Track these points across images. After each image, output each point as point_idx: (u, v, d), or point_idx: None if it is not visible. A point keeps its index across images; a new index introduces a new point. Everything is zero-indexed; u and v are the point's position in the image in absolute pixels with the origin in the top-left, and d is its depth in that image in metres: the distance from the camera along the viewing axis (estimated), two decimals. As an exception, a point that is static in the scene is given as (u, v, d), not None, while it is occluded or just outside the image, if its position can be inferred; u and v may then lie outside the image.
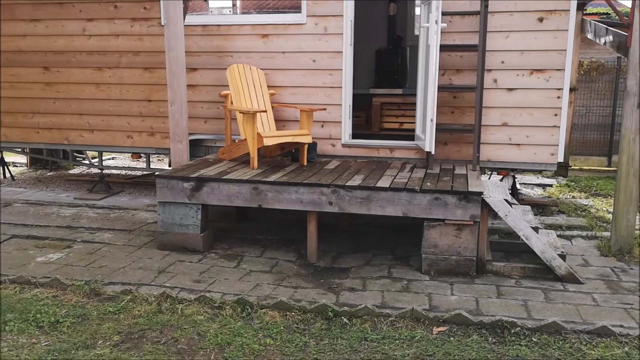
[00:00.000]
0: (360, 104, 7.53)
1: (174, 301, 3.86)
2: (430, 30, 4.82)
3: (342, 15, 5.65)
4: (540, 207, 6.45)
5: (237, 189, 4.74)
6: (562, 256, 4.27)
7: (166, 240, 4.93)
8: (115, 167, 7.80)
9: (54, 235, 5.37)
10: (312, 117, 5.45)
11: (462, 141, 5.58)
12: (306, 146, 5.42)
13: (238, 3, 8.65)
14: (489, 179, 6.51)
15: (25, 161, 9.01)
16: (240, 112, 5.16)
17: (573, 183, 7.87)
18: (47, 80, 6.56)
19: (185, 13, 5.77)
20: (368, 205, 4.50)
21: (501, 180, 5.67)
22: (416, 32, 8.40)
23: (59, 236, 5.34)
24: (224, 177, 4.77)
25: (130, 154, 7.94)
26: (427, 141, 5.03)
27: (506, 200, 4.33)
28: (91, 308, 3.78)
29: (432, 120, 4.95)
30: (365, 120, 7.76)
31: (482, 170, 5.53)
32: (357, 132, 6.27)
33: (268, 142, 5.07)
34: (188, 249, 4.90)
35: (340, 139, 5.91)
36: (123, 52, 6.30)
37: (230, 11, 8.67)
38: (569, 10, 5.12)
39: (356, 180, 4.70)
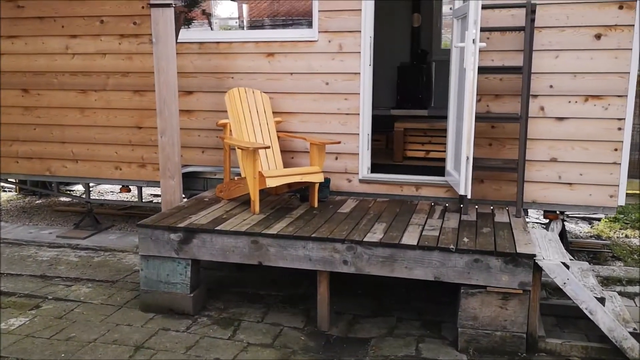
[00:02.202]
0: (380, 126, 6.78)
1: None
2: (466, 50, 4.07)
3: (360, 31, 4.92)
4: (591, 252, 5.63)
5: (233, 243, 4.01)
6: (636, 335, 3.47)
7: (150, 300, 4.22)
8: (104, 200, 7.11)
9: (23, 289, 4.69)
10: (324, 151, 4.72)
11: (501, 178, 4.81)
12: (317, 185, 4.69)
13: (245, 12, 7.98)
14: (535, 226, 5.72)
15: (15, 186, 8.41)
16: (238, 148, 4.44)
17: (622, 216, 7.02)
18: (26, 104, 5.92)
19: (179, 29, 5.09)
20: (392, 266, 3.74)
21: (548, 224, 4.88)
22: (443, 46, 7.64)
23: (28, 291, 4.66)
24: (218, 228, 4.05)
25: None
26: (462, 183, 4.26)
27: (563, 263, 3.55)
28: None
29: (467, 158, 4.19)
30: (386, 144, 7.03)
31: (525, 212, 4.74)
32: (377, 163, 5.54)
33: (271, 183, 4.35)
34: (175, 312, 4.18)
35: (358, 173, 5.17)
36: (110, 72, 5.64)
37: (236, 22, 8.01)
38: (634, 25, 4.33)
39: (376, 232, 3.95)
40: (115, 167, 5.84)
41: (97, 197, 7.87)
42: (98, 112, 5.75)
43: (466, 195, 4.29)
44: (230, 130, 4.88)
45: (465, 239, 3.79)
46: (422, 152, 6.04)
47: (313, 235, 3.87)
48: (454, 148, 4.76)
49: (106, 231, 6.35)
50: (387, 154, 6.49)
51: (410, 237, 3.84)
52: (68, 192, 7.89)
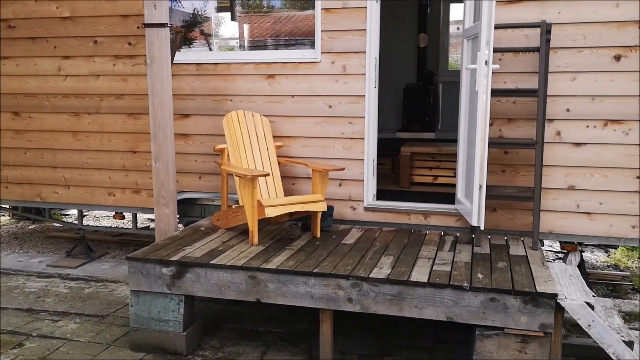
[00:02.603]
0: (385, 149, 6.57)
1: None
2: (478, 73, 3.84)
3: (365, 52, 4.71)
4: (610, 284, 5.35)
5: (229, 278, 3.75)
6: (669, 383, 3.19)
7: (140, 338, 3.95)
8: (98, 227, 6.86)
9: (7, 325, 4.43)
10: (327, 177, 4.47)
11: (515, 207, 4.55)
12: (319, 214, 4.44)
13: (246, 32, 7.80)
14: (549, 256, 5.45)
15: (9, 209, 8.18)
16: (236, 175, 4.20)
17: None
18: (16, 128, 5.71)
19: (176, 49, 4.90)
20: (400, 305, 3.47)
21: (566, 256, 4.61)
22: (450, 67, 7.44)
23: (13, 327, 4.39)
24: (213, 262, 3.79)
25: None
26: (475, 213, 4.00)
27: (587, 302, 3.27)
28: None
29: (480, 186, 3.94)
30: (391, 168, 6.79)
31: (541, 242, 4.48)
32: (382, 189, 5.29)
33: (271, 213, 4.10)
34: (167, 351, 3.91)
35: (363, 200, 4.92)
36: (104, 95, 5.43)
37: (237, 43, 7.83)
38: (655, 45, 4.11)
39: (383, 267, 3.68)
40: (109, 193, 5.60)
41: (92, 223, 7.64)
42: (91, 135, 5.54)
43: (479, 227, 4.03)
44: (228, 156, 4.64)
45: (480, 275, 3.52)
46: (430, 177, 5.80)
47: (315, 271, 3.61)
48: (465, 175, 4.51)
49: (99, 260, 6.09)
50: (393, 178, 6.24)
51: (420, 273, 3.57)
52: (62, 216, 7.66)
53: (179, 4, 7.03)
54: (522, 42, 4.36)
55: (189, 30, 5.42)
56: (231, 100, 5.13)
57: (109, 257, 6.22)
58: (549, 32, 4.08)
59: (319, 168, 4.38)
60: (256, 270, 3.70)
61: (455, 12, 7.35)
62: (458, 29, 7.43)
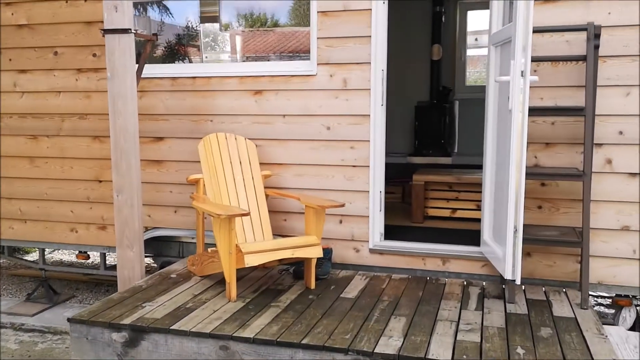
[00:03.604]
0: (395, 175, 5.84)
1: None
2: (512, 86, 3.08)
3: (369, 63, 3.98)
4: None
5: (195, 348, 2.97)
6: None
7: (86, 421, 3.17)
8: (60, 267, 6.06)
9: None
10: (323, 215, 3.71)
11: (555, 251, 3.76)
12: (314, 260, 3.67)
13: (238, 45, 7.11)
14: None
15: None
16: (209, 214, 3.43)
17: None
18: (-34, 153, 5.00)
19: (144, 60, 4.19)
20: (415, 390, 2.67)
21: (618, 312, 3.80)
22: (468, 83, 6.70)
23: None
24: (175, 327, 3.01)
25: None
26: (508, 264, 3.21)
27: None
28: None
29: (516, 230, 3.16)
30: (402, 197, 6.03)
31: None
32: (391, 224, 4.55)
33: (252, 261, 3.33)
34: None
35: (368, 241, 4.15)
36: (65, 114, 4.72)
37: (229, 57, 7.13)
38: None
39: (393, 335, 2.90)
40: (71, 229, 4.86)
41: (60, 257, 6.89)
42: (50, 161, 4.81)
43: (514, 281, 3.23)
44: (205, 189, 3.90)
45: (521, 351, 2.72)
46: (448, 210, 5.01)
47: (304, 342, 2.82)
48: (493, 211, 3.74)
49: (63, 304, 5.32)
50: (404, 210, 5.46)
51: (441, 345, 2.78)
52: (22, 252, 6.91)
53: (169, 15, 6.37)
54: (562, 50, 3.62)
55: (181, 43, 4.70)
56: (211, 120, 4.40)
57: (75, 301, 5.45)
58: (597, 36, 3.34)
59: (313, 204, 3.61)
60: (229, 339, 2.92)
61: (473, 21, 6.62)
62: (476, 39, 6.71)
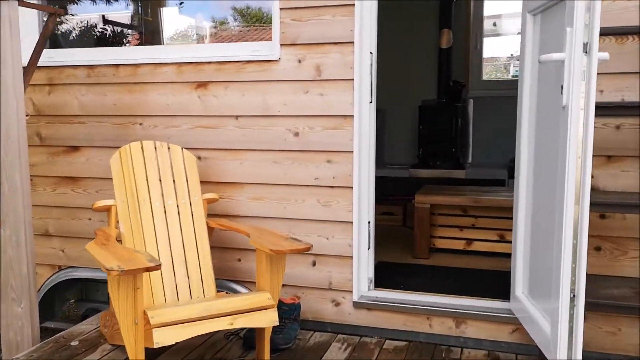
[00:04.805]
0: (393, 192, 4.78)
1: None
2: (569, 70, 1.98)
3: (352, 42, 2.89)
4: None
5: None
6: None
7: None
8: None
9: None
10: (282, 262, 2.60)
11: (621, 313, 2.64)
12: (268, 329, 2.57)
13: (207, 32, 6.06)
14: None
15: None
16: (101, 267, 2.33)
17: None
18: None
19: (44, 39, 3.11)
20: None
21: None
22: (486, 77, 5.59)
23: None
24: None
25: None
26: (561, 342, 2.10)
27: None
28: None
29: (573, 295, 2.05)
30: (403, 220, 4.94)
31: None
32: (387, 261, 3.48)
33: (165, 338, 2.24)
34: None
35: (351, 290, 3.05)
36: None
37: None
38: None
39: None
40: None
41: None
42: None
43: (570, 370, 2.12)
44: (117, 223, 2.81)
45: None
46: (461, 241, 3.90)
47: None
48: (529, 251, 2.64)
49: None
50: (405, 238, 4.36)
51: None
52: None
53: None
54: (632, 19, 2.51)
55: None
56: (141, 124, 3.32)
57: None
58: (691, -5, 2.23)
59: (264, 247, 2.50)
60: None
61: (491, 3, 5.52)
62: (494, 24, 5.61)
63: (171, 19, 5.91)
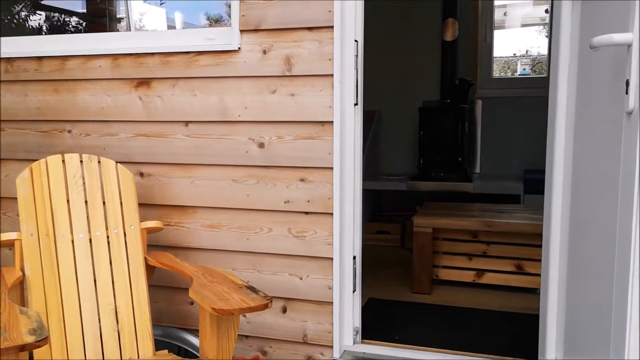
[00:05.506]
0: (390, 208, 4.16)
1: None
2: (636, 60, 1.34)
3: (331, 27, 2.26)
4: None
5: None
6: None
7: None
8: None
9: None
10: (235, 320, 1.96)
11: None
12: (217, 405, 1.93)
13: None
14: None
15: None
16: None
17: None
18: None
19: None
20: None
21: None
22: (497, 74, 4.97)
23: None
24: None
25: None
26: None
27: None
28: None
29: (644, 387, 1.41)
30: (401, 240, 4.32)
31: None
32: (378, 298, 2.86)
33: None
34: None
35: (332, 345, 2.41)
36: None
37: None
38: None
39: None
40: None
41: None
42: None
43: None
44: (22, 267, 2.18)
45: None
46: (470, 272, 3.26)
47: None
48: (565, 297, 2.01)
49: None
50: (402, 264, 3.74)
51: None
52: None
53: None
54: None
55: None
56: (69, 131, 2.69)
57: None
58: None
59: (206, 304, 1.85)
60: None
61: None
62: (505, 14, 4.98)
63: (140, 10, 5.33)
